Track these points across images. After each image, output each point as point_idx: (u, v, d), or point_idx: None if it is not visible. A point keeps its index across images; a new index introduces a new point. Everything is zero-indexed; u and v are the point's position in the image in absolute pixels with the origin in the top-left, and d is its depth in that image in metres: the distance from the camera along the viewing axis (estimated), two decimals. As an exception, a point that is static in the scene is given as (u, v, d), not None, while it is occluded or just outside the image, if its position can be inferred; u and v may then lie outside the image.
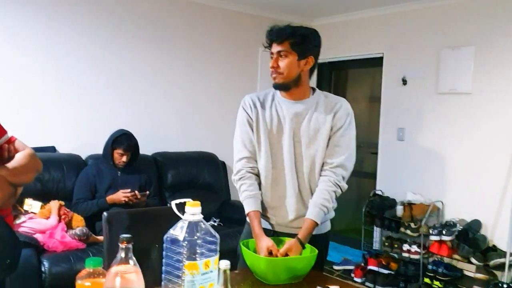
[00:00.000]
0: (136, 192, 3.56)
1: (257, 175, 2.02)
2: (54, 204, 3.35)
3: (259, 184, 2.02)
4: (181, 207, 1.51)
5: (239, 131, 2.04)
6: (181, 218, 1.41)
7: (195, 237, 1.40)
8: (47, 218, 3.27)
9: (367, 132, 5.09)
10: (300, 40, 1.90)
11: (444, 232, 3.89)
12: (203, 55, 4.73)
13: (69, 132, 3.99)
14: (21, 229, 3.14)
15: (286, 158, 1.98)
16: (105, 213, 2.22)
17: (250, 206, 1.96)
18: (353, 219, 5.01)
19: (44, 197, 3.45)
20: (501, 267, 3.66)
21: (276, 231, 2.05)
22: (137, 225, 2.24)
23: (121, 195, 3.53)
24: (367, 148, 5.08)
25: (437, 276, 3.89)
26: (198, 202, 1.52)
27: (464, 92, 4.13)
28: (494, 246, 3.84)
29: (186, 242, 1.33)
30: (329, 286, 1.69)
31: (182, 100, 4.62)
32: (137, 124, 4.20)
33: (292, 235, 1.93)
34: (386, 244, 4.38)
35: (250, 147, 2.01)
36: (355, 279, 4.33)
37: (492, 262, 3.65)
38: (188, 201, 1.53)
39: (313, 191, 1.99)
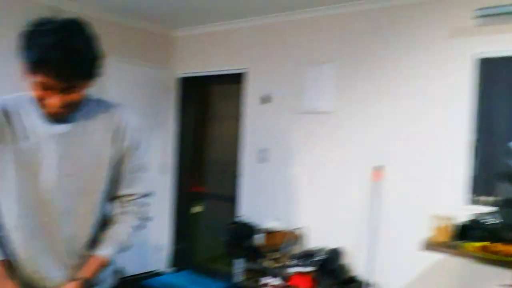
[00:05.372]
0: None
1: None
2: None
3: None
4: None
5: None
6: None
7: None
8: None
9: (233, 154, 4.71)
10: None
11: (303, 262, 3.58)
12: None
13: None
14: None
15: (53, 200, 1.41)
16: None
17: None
18: (219, 247, 4.57)
19: None
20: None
21: None
22: None
23: None
24: (233, 170, 4.71)
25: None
26: None
27: (325, 111, 3.91)
28: (354, 276, 3.60)
29: None
30: None
31: None
32: None
33: None
34: (246, 276, 3.98)
35: None
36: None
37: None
38: None
39: (94, 238, 1.49)
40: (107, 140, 1.46)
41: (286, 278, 3.72)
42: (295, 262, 3.63)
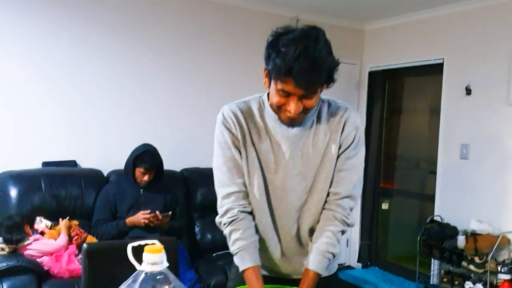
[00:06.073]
0: (157, 212, 3.21)
1: (252, 214, 1.50)
2: (63, 223, 3.07)
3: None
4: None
5: (222, 157, 1.49)
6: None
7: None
8: (56, 239, 2.99)
9: (427, 149, 4.51)
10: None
11: (515, 270, 3.26)
12: (236, 65, 4.32)
13: (91, 146, 3.72)
14: (27, 252, 2.88)
15: (286, 196, 1.49)
16: (84, 245, 1.89)
17: (247, 262, 1.42)
18: (409, 246, 4.43)
19: (59, 216, 3.19)
20: None
21: (273, 277, 1.60)
22: (122, 260, 1.87)
23: (141, 216, 3.20)
24: (426, 167, 4.51)
25: (507, 323, 3.26)
26: (160, 247, 1.14)
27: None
28: None
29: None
30: None
31: (212, 112, 4.24)
32: (164, 137, 3.88)
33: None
34: (445, 279, 3.77)
35: (239, 179, 1.49)
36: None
37: None
38: (148, 244, 1.16)
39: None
40: (334, 140, 1.48)
41: (492, 285, 3.43)
42: (504, 269, 3.32)
